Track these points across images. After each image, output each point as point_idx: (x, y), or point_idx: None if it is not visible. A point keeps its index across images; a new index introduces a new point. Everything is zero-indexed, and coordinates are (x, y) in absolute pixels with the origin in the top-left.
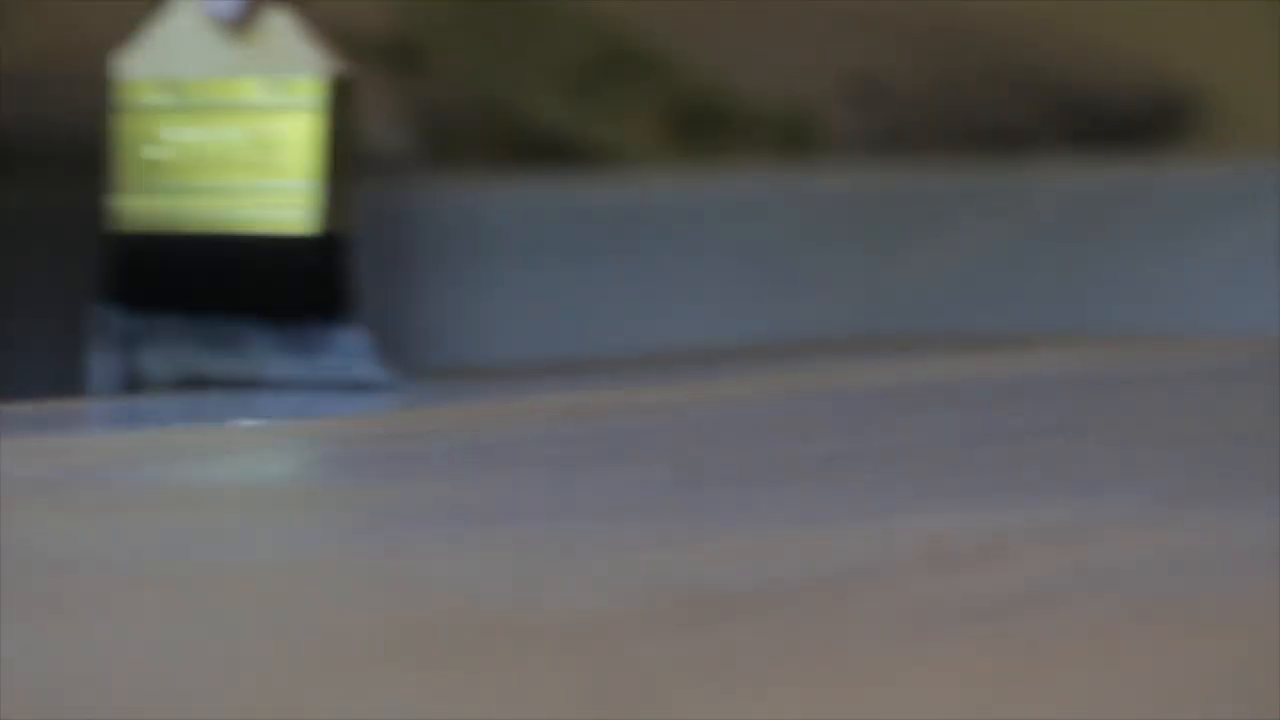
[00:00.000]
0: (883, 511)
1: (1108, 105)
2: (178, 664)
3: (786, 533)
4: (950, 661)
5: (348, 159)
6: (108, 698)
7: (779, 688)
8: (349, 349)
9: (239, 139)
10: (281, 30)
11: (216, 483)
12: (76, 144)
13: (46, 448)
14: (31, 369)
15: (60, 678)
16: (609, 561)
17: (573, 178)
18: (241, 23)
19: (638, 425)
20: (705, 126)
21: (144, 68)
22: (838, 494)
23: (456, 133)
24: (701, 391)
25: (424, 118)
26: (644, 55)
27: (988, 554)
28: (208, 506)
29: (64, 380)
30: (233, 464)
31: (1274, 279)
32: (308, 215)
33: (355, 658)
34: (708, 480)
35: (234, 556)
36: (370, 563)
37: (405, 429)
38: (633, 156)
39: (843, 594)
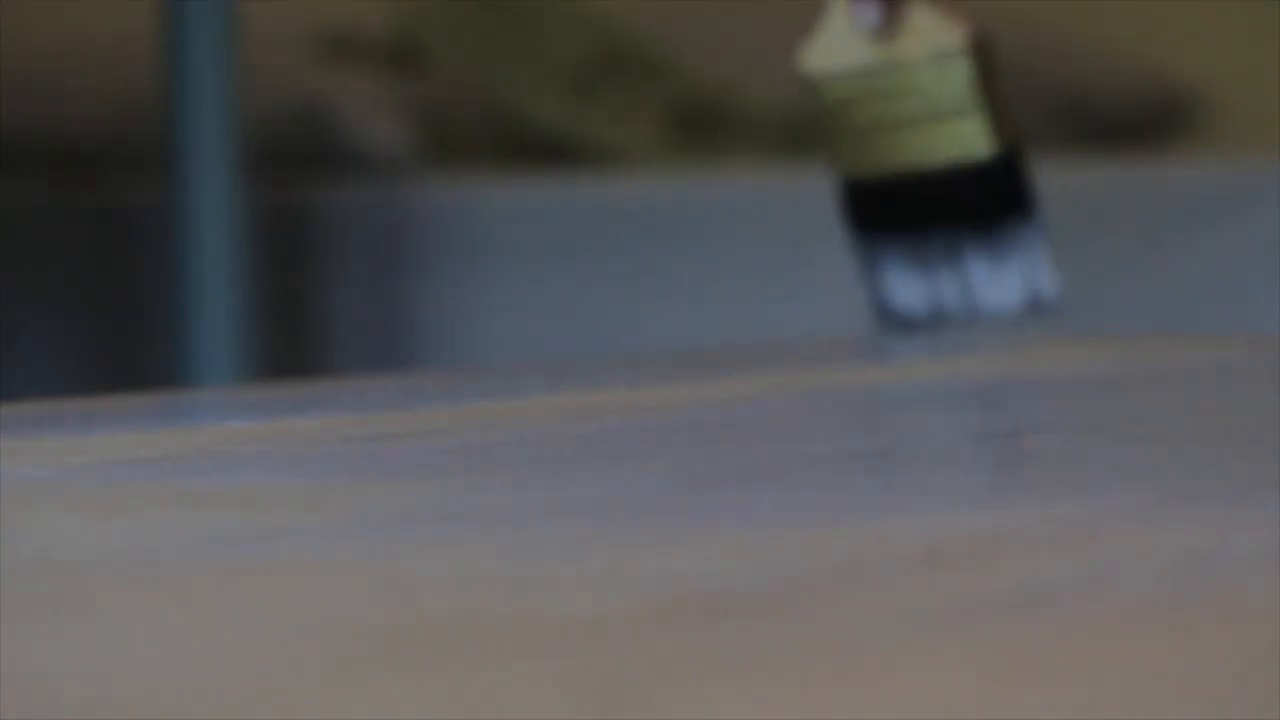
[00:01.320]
0: (883, 511)
1: (1108, 105)
2: (178, 664)
3: (786, 533)
4: (950, 661)
5: (998, 91)
6: (108, 698)
7: (778, 688)
8: (1039, 254)
9: (916, 106)
10: (921, 18)
11: (217, 483)
12: (76, 144)
13: (46, 448)
14: (31, 369)
15: (60, 678)
16: (609, 561)
17: (573, 178)
18: (884, 29)
19: (638, 425)
20: (705, 126)
21: (827, 62)
22: (838, 494)
23: (456, 133)
24: (701, 391)
25: (424, 118)
26: (644, 55)
27: (988, 554)
28: (208, 506)
29: (64, 380)
30: (233, 464)
31: (1274, 279)
32: (985, 143)
33: (355, 658)
34: (708, 480)
35: (234, 556)
36: (370, 563)
37: (405, 429)
38: (633, 156)
39: (843, 594)
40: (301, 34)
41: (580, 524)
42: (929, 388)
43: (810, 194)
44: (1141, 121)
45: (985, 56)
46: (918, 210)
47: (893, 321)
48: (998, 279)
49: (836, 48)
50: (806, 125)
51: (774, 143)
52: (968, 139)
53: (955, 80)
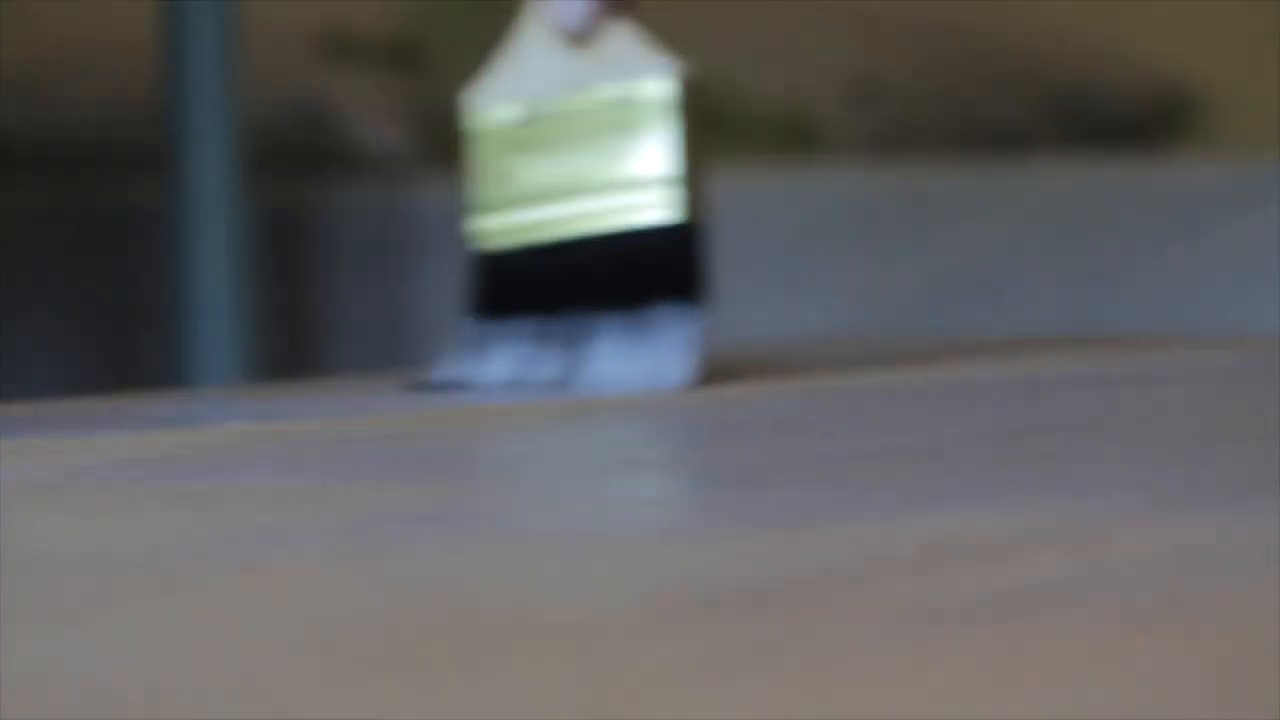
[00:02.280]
0: (883, 511)
1: (1108, 105)
2: (178, 664)
3: (786, 533)
4: (950, 661)
5: (699, 153)
6: (108, 698)
7: (778, 688)
8: (677, 338)
9: (595, 150)
10: (624, 39)
11: (216, 483)
12: (76, 144)
13: (46, 448)
14: (31, 369)
15: (60, 678)
16: (609, 561)
17: None
18: (585, 34)
19: (637, 425)
20: (705, 126)
21: (497, 94)
22: (838, 494)
23: (456, 133)
24: (701, 392)
25: (424, 118)
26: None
27: (988, 554)
28: (208, 506)
29: (64, 380)
30: (233, 464)
31: (1274, 279)
32: (669, 208)
33: (355, 658)
34: (708, 480)
35: (234, 556)
36: (370, 563)
37: (404, 429)
38: None
39: (842, 594)
40: (301, 34)
41: (580, 524)
42: (929, 387)
43: (810, 194)
44: (1141, 121)
45: (692, 104)
46: (563, 282)
47: (436, 387)
48: (616, 358)
49: (515, 76)
50: (805, 125)
51: (774, 143)
52: (649, 205)
53: (646, 120)
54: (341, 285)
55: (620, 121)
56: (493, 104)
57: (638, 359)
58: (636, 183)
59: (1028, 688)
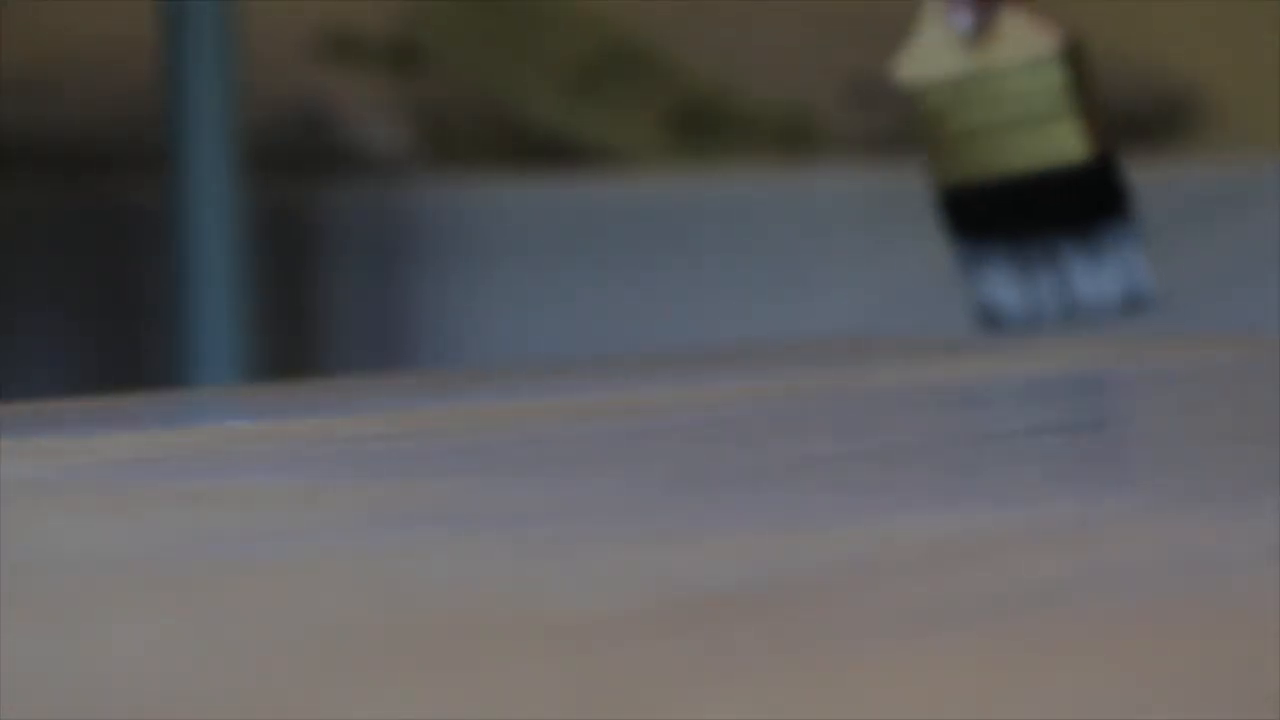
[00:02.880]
0: (883, 511)
1: (1108, 105)
2: (178, 664)
3: (786, 533)
4: (950, 661)
5: (1092, 95)
6: (108, 698)
7: (778, 688)
8: (1136, 256)
9: (1010, 111)
10: (1014, 25)
11: (216, 483)
12: (76, 144)
13: (46, 448)
14: (31, 369)
15: (60, 678)
16: (609, 561)
17: (572, 178)
18: (978, 33)
19: (638, 425)
20: (705, 126)
21: (922, 70)
22: (838, 494)
23: (456, 133)
24: (701, 392)
25: (424, 118)
26: (644, 55)
27: (987, 554)
28: (208, 506)
29: (64, 380)
30: (233, 464)
31: (1274, 279)
32: (1081, 146)
33: (355, 658)
34: (708, 480)
35: (234, 556)
36: (370, 563)
37: (405, 429)
38: (633, 156)
39: (843, 594)
40: (301, 34)
41: (580, 524)
42: (930, 388)
43: (810, 194)
44: (1141, 121)
45: (1078, 61)
46: (1015, 214)
47: (993, 322)
48: (1095, 278)
49: (931, 56)
50: (805, 125)
51: (774, 143)
52: (1062, 143)
53: (1048, 85)
54: (341, 285)
55: (1028, 93)
56: (927, 76)
57: (1111, 278)
58: (1052, 133)
59: (1028, 688)
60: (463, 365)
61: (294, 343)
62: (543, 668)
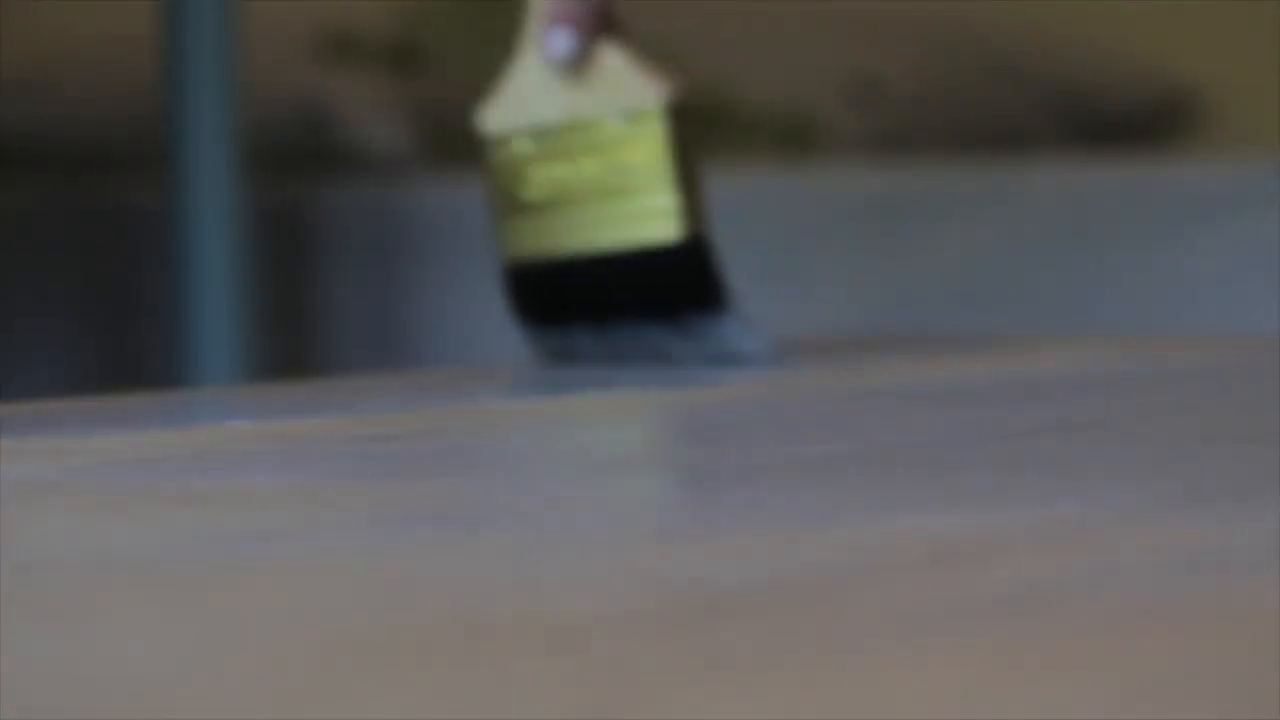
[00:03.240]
0: (883, 511)
1: (1108, 105)
2: (178, 664)
3: (786, 533)
4: (950, 661)
5: (694, 166)
6: (108, 698)
7: (779, 687)
8: (731, 330)
9: (598, 169)
10: (617, 65)
11: (216, 483)
12: (76, 144)
13: (46, 448)
14: (31, 369)
15: (60, 678)
16: (609, 561)
17: None
18: (577, 63)
19: (637, 425)
20: (705, 126)
21: (505, 120)
22: (838, 494)
23: (456, 133)
24: (701, 392)
25: (424, 118)
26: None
27: (988, 554)
28: (208, 506)
29: (64, 380)
30: (233, 464)
31: (1274, 279)
32: (673, 225)
33: (355, 658)
34: (708, 480)
35: (234, 556)
36: (370, 563)
37: (405, 429)
38: None
39: (843, 594)
40: (301, 34)
41: (580, 524)
42: (929, 388)
43: (810, 194)
44: (1141, 121)
45: (684, 122)
46: (595, 297)
47: (566, 358)
48: (685, 350)
49: (521, 102)
50: (805, 125)
51: (773, 143)
52: (652, 221)
53: (648, 143)
54: (341, 285)
55: (620, 140)
56: (504, 121)
57: (703, 345)
58: (641, 205)
59: (1028, 688)
60: (463, 365)
61: (294, 343)
62: (543, 668)
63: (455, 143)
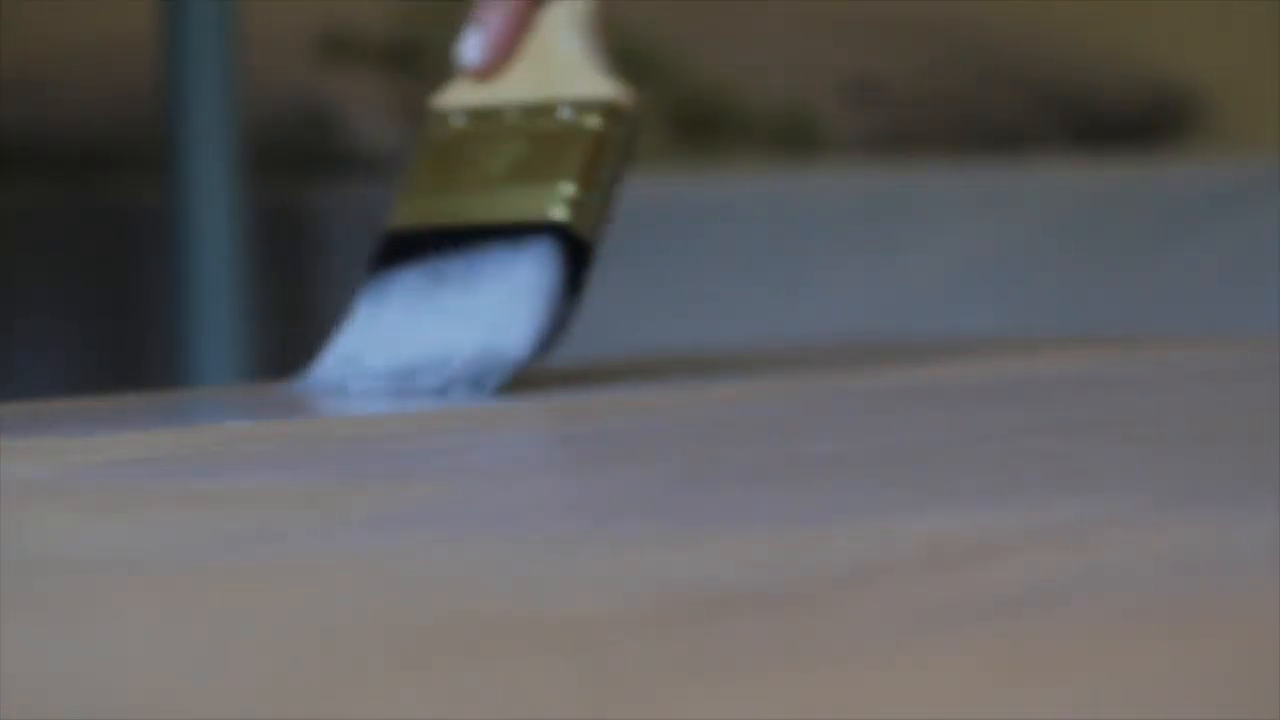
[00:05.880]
0: (883, 511)
1: (1108, 105)
2: (178, 664)
3: (786, 533)
4: (950, 661)
5: (616, 178)
6: (108, 698)
7: (779, 687)
8: (517, 333)
9: (523, 154)
10: (575, 56)
11: (216, 483)
12: (76, 144)
13: (46, 448)
14: (31, 369)
15: (60, 678)
16: (609, 561)
17: None
18: (488, 73)
19: (638, 425)
20: (705, 126)
21: (456, 98)
22: (838, 494)
23: None
24: (701, 392)
25: (424, 118)
26: (645, 55)
27: (988, 554)
28: (208, 506)
29: (64, 380)
30: (233, 464)
31: (1274, 279)
32: (560, 211)
33: (355, 658)
34: (708, 480)
35: (234, 556)
36: (370, 563)
37: (405, 429)
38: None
39: (843, 594)
40: (301, 34)
41: (580, 524)
42: (929, 388)
43: (810, 194)
44: (1141, 121)
45: (627, 132)
46: (445, 255)
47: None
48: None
49: (473, 85)
50: (805, 125)
51: (774, 143)
52: (546, 201)
53: (583, 138)
54: (341, 285)
55: (558, 130)
56: (454, 99)
57: (477, 316)
58: (548, 189)
59: (1028, 687)
60: None
61: (294, 343)
62: (543, 667)
63: None
